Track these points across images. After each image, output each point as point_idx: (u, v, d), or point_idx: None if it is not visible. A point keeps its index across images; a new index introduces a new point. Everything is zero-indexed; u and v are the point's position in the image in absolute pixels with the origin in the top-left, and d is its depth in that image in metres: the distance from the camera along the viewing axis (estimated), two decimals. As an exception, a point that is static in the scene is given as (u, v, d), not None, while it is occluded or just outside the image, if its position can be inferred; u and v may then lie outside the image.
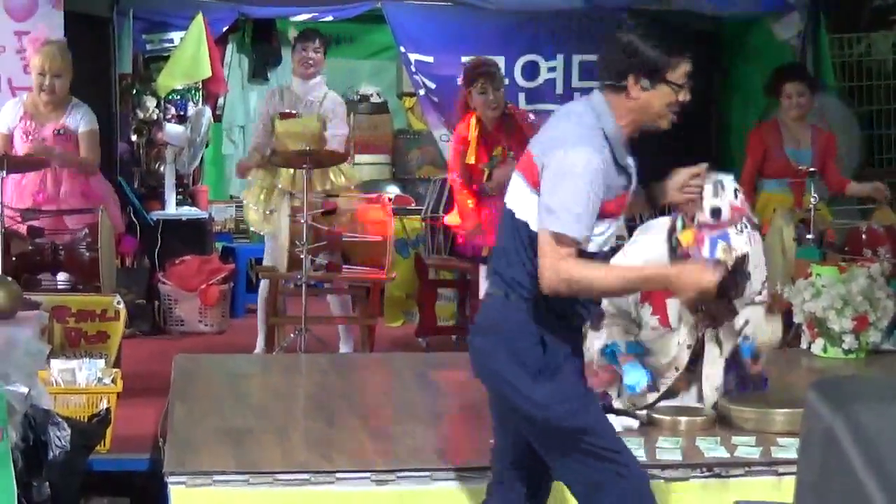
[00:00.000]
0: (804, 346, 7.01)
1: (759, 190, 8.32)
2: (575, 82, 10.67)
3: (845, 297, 6.82)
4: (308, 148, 7.74)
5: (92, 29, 9.17)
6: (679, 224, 4.80)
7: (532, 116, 8.31)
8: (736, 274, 4.58)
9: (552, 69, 10.50)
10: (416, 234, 9.85)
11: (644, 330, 5.23)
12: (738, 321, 5.27)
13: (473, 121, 7.93)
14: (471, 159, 7.89)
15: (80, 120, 7.75)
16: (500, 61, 10.61)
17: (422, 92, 10.85)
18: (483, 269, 8.00)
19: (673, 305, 5.15)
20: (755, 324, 5.25)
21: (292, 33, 8.51)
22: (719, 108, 10.67)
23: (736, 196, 4.77)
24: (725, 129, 10.63)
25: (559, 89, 10.42)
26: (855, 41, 10.54)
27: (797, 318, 7.04)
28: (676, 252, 4.79)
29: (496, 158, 7.86)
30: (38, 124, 7.72)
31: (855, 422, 2.11)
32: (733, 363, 5.31)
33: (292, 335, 7.94)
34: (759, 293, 5.25)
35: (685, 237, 4.82)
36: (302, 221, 7.61)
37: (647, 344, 5.24)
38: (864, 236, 7.80)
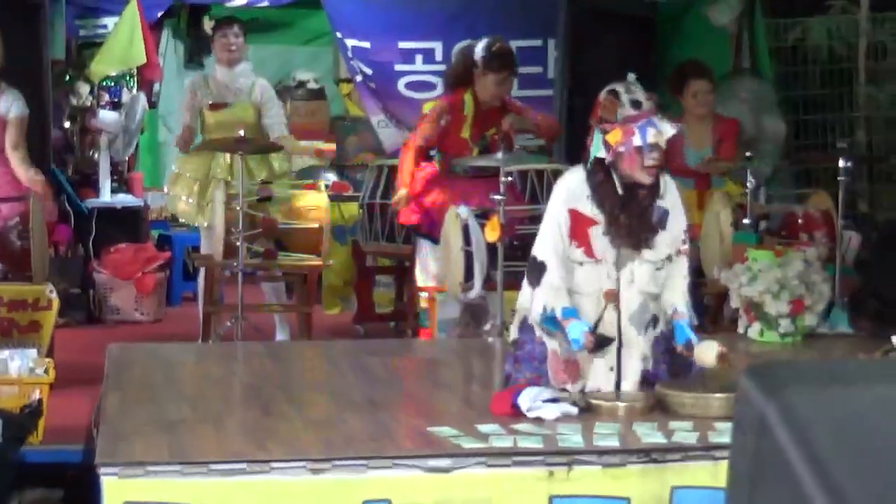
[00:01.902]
0: (741, 330, 7.02)
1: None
2: (512, 68, 10.67)
3: (781, 281, 6.85)
4: (245, 135, 7.67)
5: (23, 14, 9.04)
6: (599, 137, 4.98)
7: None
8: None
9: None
10: (354, 221, 9.82)
11: (578, 272, 5.20)
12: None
13: (469, 97, 7.93)
14: (465, 133, 7.88)
15: (9, 106, 7.63)
16: (438, 47, 10.62)
17: (359, 78, 10.82)
18: (423, 246, 7.97)
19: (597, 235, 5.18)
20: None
21: (206, 23, 8.41)
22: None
23: (646, 92, 5.04)
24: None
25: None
26: (791, 26, 10.59)
27: (734, 303, 7.06)
28: (595, 166, 4.95)
29: (487, 138, 7.86)
30: (-34, 110, 7.59)
31: (786, 407, 2.11)
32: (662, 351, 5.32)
33: (228, 323, 7.88)
34: (683, 242, 5.28)
35: (613, 135, 4.98)
36: (238, 209, 7.55)
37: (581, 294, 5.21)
38: (800, 221, 7.84)
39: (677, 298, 5.25)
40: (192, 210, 8.45)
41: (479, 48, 7.97)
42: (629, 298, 5.20)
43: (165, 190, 8.83)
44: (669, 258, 5.24)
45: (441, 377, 6.19)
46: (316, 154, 9.11)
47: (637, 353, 5.21)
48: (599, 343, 5.11)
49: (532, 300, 5.19)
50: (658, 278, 5.23)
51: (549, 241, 5.18)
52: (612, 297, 5.14)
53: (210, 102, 8.46)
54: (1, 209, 7.53)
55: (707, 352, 5.18)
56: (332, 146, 9.13)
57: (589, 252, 5.17)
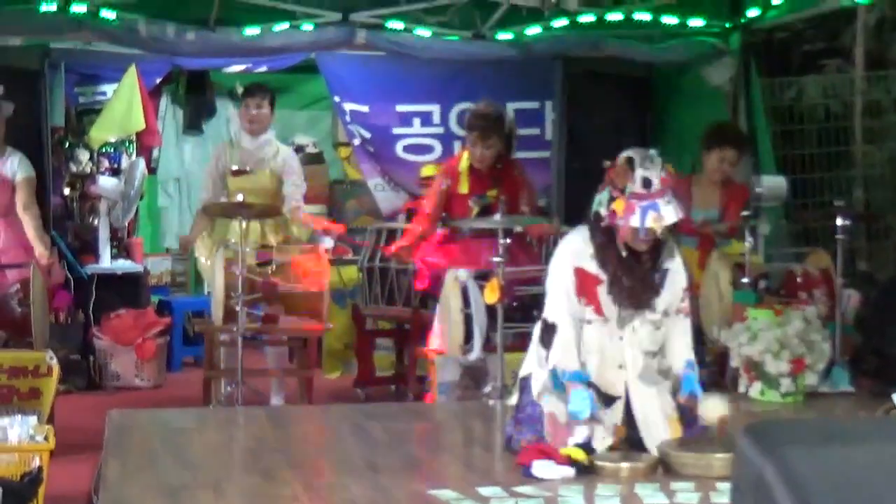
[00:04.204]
0: (742, 389, 7.02)
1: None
2: (510, 130, 10.71)
3: (781, 340, 6.85)
4: (245, 200, 7.68)
5: (23, 82, 9.10)
6: (606, 196, 5.00)
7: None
8: None
9: (511, 120, 10.63)
10: (354, 284, 9.82)
11: (586, 331, 5.22)
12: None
13: (466, 155, 7.98)
14: (463, 188, 7.92)
15: (16, 167, 7.66)
16: (436, 110, 10.66)
17: (357, 142, 10.87)
18: (439, 311, 7.98)
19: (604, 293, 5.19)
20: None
21: (238, 88, 8.48)
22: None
23: (663, 170, 5.02)
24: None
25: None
26: (786, 85, 10.64)
27: (734, 362, 7.06)
28: (601, 224, 4.99)
29: (488, 199, 7.87)
30: (-28, 174, 7.63)
31: (785, 466, 2.11)
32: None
33: (229, 388, 7.87)
34: (682, 300, 5.30)
35: (617, 205, 5.00)
36: (237, 273, 7.55)
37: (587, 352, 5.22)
38: (799, 279, 7.84)
39: (684, 353, 5.27)
40: (209, 271, 8.49)
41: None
42: (635, 356, 5.22)
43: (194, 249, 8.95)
44: (666, 313, 5.26)
45: (441, 440, 6.18)
46: (324, 231, 9.11)
47: (655, 406, 5.21)
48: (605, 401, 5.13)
49: (543, 362, 5.21)
50: (657, 336, 5.25)
51: (558, 302, 5.21)
52: (622, 433, 5.19)
53: (233, 169, 8.50)
54: (2, 275, 7.55)
55: (711, 411, 5.19)
56: (342, 227, 9.13)
57: (598, 310, 5.19)
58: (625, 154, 5.18)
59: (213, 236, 8.50)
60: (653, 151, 5.21)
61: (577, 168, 9.60)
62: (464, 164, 8.03)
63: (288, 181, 8.58)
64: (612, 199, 5.13)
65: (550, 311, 5.26)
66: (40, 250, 7.66)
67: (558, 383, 5.15)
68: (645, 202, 5.06)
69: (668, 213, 5.07)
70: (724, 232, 8.21)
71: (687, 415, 5.29)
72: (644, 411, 5.22)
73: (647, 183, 5.09)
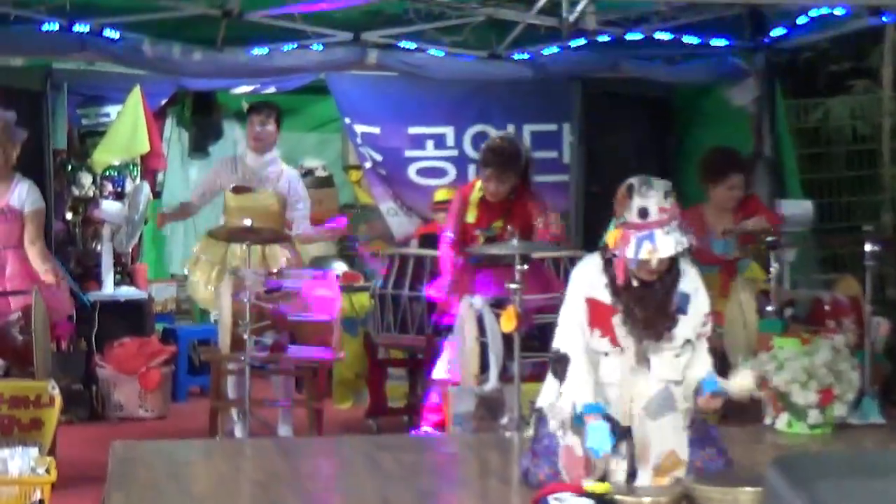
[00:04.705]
0: (768, 421, 7.00)
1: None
2: (526, 152, 10.72)
3: (809, 369, 6.83)
4: (251, 224, 7.68)
5: (25, 103, 9.13)
6: (611, 227, 4.99)
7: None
8: None
9: (528, 150, 10.64)
10: (365, 312, 9.82)
11: (604, 363, 5.21)
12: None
13: (479, 185, 7.98)
14: (470, 218, 7.92)
15: (24, 199, 7.68)
16: (450, 132, 10.68)
17: (368, 164, 10.88)
18: (449, 344, 7.98)
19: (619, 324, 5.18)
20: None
21: (244, 105, 8.55)
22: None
23: (666, 198, 4.96)
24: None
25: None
26: (812, 107, 10.64)
27: (760, 393, 7.03)
28: (604, 254, 4.98)
29: (495, 230, 7.87)
30: (-21, 204, 7.64)
31: (816, 501, 2.10)
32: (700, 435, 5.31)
33: (236, 419, 7.86)
34: (703, 325, 5.27)
35: (611, 237, 4.99)
36: (245, 301, 7.54)
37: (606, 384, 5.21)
38: (826, 307, 7.82)
39: (702, 372, 5.24)
40: (210, 298, 8.47)
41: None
42: (647, 387, 5.19)
43: (186, 271, 8.88)
44: (689, 342, 5.23)
45: (457, 473, 6.17)
46: (326, 235, 9.14)
47: (656, 440, 5.19)
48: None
49: (558, 395, 5.20)
50: (678, 365, 5.22)
51: (570, 333, 5.19)
52: None
53: (234, 185, 8.50)
54: (6, 302, 7.54)
55: (743, 379, 5.18)
56: (343, 220, 9.14)
57: (614, 341, 5.17)
58: (627, 181, 5.16)
59: (207, 258, 8.50)
60: (655, 179, 5.14)
61: (596, 192, 9.61)
62: (475, 194, 8.00)
63: (295, 206, 8.59)
64: (611, 228, 5.13)
65: (561, 342, 5.24)
66: (46, 268, 7.68)
67: (577, 416, 5.14)
68: (641, 233, 5.03)
69: (665, 244, 5.01)
70: (765, 228, 8.12)
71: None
72: (643, 444, 5.20)
73: (643, 213, 5.04)
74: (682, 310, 5.20)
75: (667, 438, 5.20)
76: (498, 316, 7.13)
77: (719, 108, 10.08)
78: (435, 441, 7.37)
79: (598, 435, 5.03)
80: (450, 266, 7.96)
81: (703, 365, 5.26)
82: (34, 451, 5.93)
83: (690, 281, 5.26)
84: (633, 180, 5.12)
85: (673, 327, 5.19)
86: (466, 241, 7.96)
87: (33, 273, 7.70)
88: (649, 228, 5.01)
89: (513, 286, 6.87)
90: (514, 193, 7.97)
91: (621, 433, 5.15)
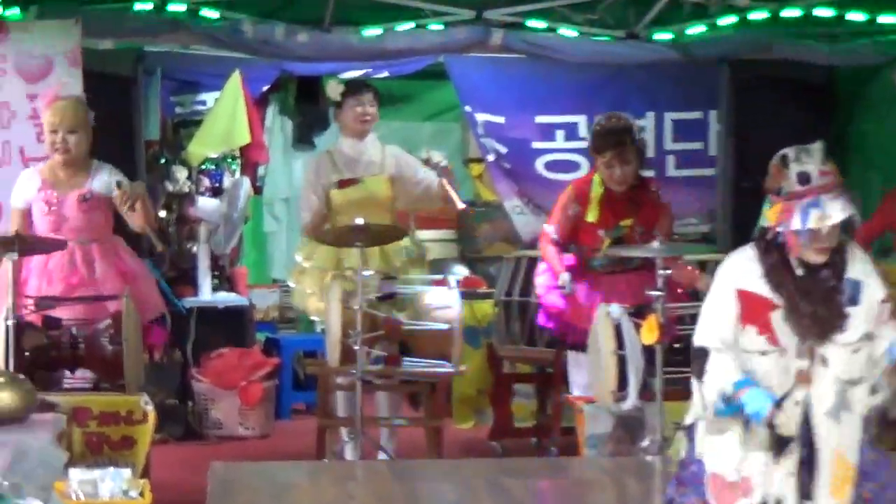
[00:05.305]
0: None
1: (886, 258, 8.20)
2: (668, 144, 10.67)
3: None
4: (364, 222, 7.63)
5: (114, 89, 9.23)
6: (766, 206, 4.90)
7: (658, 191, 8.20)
8: None
9: (641, 129, 10.55)
10: (488, 322, 9.82)
11: (759, 363, 5.13)
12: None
13: (598, 178, 7.92)
14: (591, 217, 7.88)
15: (107, 181, 7.73)
16: (582, 120, 10.64)
17: (491, 157, 10.87)
18: (572, 357, 7.94)
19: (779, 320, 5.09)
20: None
21: (332, 88, 8.48)
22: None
23: (825, 163, 4.90)
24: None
25: (650, 151, 10.38)
26: None
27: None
28: (766, 239, 4.87)
29: (622, 229, 7.83)
30: (60, 193, 7.69)
31: None
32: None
33: (346, 439, 7.89)
34: (880, 313, 5.15)
35: (771, 213, 4.91)
36: (355, 308, 7.55)
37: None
38: None
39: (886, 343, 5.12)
40: (324, 309, 8.42)
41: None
42: (824, 390, 5.06)
43: (291, 284, 8.80)
44: (869, 336, 5.12)
45: (591, 501, 6.15)
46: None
47: (835, 448, 5.10)
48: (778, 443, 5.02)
49: (702, 398, 5.12)
50: (857, 361, 5.09)
51: (711, 325, 5.11)
52: (806, 379, 5.02)
53: (338, 180, 8.40)
54: (90, 309, 7.59)
55: None
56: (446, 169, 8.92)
57: (773, 340, 5.07)
58: (778, 153, 5.09)
59: (315, 265, 8.42)
60: (812, 145, 5.09)
61: (747, 188, 9.50)
62: (596, 190, 7.92)
63: (417, 176, 8.46)
64: (768, 208, 5.05)
65: (700, 336, 5.15)
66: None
67: (722, 408, 5.04)
68: (805, 200, 4.96)
69: (835, 209, 4.94)
70: None
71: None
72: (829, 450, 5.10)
73: (803, 178, 4.96)
74: (854, 300, 5.09)
75: (841, 445, 5.11)
76: (638, 326, 7.09)
77: (887, 93, 9.95)
78: (566, 465, 7.35)
79: (756, 398, 4.93)
80: (558, 263, 7.89)
81: (889, 335, 5.11)
82: (126, 473, 6.00)
83: (858, 265, 5.15)
84: (786, 150, 5.06)
85: (844, 321, 5.08)
86: (588, 244, 7.90)
87: (125, 269, 7.75)
88: (813, 195, 4.95)
89: (655, 293, 6.82)
90: (636, 184, 7.91)
91: (776, 444, 5.05)
